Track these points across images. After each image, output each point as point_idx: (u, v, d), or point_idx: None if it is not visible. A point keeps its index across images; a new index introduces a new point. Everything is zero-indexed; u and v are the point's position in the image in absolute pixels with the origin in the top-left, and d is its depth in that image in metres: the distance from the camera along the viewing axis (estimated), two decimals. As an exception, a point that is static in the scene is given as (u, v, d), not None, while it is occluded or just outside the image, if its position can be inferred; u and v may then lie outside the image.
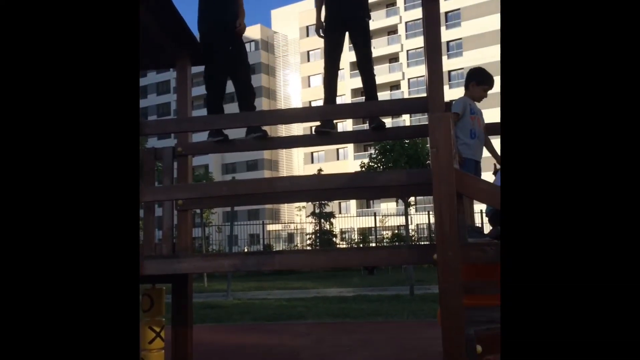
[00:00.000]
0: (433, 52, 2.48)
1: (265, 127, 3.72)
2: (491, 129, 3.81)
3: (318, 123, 3.46)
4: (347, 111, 3.66)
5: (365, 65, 3.67)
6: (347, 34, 3.70)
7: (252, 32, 54.26)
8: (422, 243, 23.09)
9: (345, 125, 34.84)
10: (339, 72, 3.85)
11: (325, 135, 3.43)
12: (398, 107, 3.87)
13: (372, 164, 20.37)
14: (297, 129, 43.07)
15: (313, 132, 3.54)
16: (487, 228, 4.05)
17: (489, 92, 3.90)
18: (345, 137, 3.91)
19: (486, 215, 3.72)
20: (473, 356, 2.07)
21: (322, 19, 3.76)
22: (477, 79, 3.91)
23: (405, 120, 36.30)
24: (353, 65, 42.08)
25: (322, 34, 3.72)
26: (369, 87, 3.64)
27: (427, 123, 2.29)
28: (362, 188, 3.08)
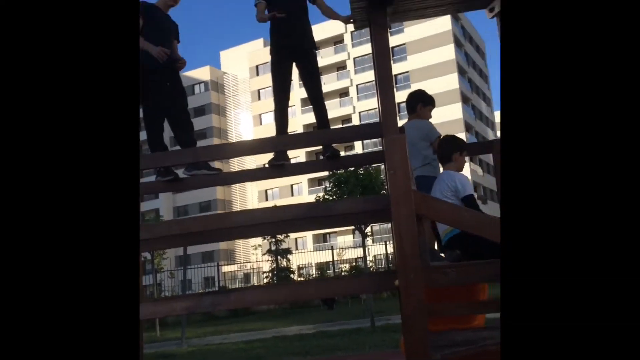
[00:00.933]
0: (384, 79, 2.51)
1: (217, 165, 3.63)
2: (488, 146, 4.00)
3: (271, 156, 3.41)
4: (301, 141, 3.63)
5: (316, 96, 3.67)
6: (294, 65, 3.70)
7: (202, 73, 54.27)
8: (380, 275, 23.04)
9: (299, 161, 34.95)
10: (290, 108, 3.83)
11: (279, 167, 3.38)
12: (352, 134, 3.89)
13: (328, 197, 20.36)
14: (250, 166, 42.83)
15: (266, 166, 3.48)
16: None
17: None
18: (299, 169, 3.88)
19: (441, 241, 3.62)
20: (442, 382, 2.01)
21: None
22: (422, 100, 4.06)
23: (358, 152, 36.85)
24: (304, 102, 42.64)
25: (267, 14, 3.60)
26: (321, 118, 3.63)
27: (380, 149, 2.29)
28: (319, 218, 3.02)
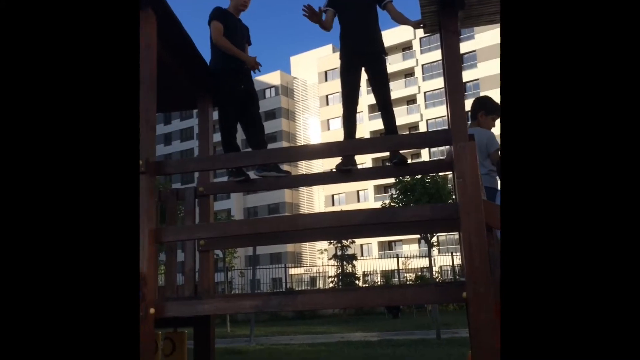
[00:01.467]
0: (454, 85, 2.45)
1: (285, 168, 3.70)
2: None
3: (339, 161, 3.43)
4: (368, 146, 3.61)
5: (384, 102, 3.64)
6: (363, 71, 3.69)
7: (272, 78, 55.52)
8: (448, 285, 22.45)
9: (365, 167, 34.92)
10: (358, 114, 3.83)
11: (347, 172, 3.39)
12: (420, 140, 3.83)
13: (394, 204, 20.16)
14: (318, 170, 43.23)
15: (333, 171, 3.51)
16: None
17: None
18: (366, 174, 3.87)
19: None
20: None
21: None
22: (485, 108, 3.91)
23: (425, 160, 36.26)
24: (372, 108, 42.52)
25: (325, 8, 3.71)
26: (389, 124, 3.60)
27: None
28: (385, 224, 3.00)
